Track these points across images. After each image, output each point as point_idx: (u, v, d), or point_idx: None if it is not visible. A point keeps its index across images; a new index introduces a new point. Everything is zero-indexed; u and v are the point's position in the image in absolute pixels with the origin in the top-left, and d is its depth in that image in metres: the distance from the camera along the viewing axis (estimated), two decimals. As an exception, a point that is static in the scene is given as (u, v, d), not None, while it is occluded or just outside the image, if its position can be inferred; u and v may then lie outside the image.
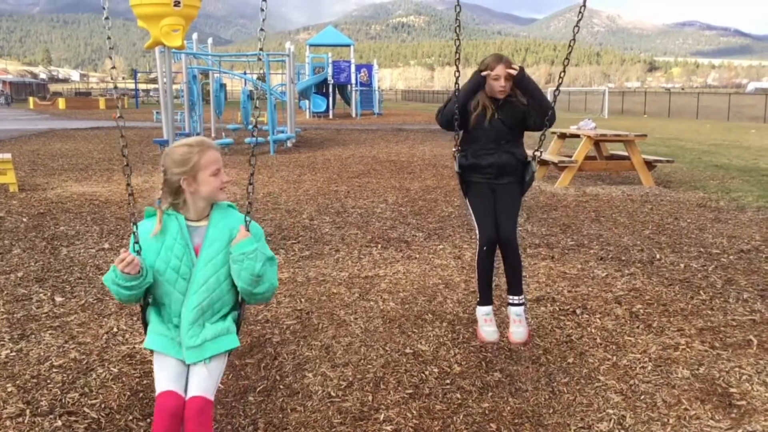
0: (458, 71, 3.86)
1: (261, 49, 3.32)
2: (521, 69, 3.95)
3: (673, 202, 9.58)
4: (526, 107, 4.00)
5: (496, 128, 3.99)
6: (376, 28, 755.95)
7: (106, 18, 2.87)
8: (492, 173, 4.02)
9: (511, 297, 4.12)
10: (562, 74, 3.91)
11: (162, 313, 2.76)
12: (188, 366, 2.67)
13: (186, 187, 2.68)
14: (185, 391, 2.61)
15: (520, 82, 3.95)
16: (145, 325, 2.80)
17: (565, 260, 6.33)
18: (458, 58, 3.85)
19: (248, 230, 2.70)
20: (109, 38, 2.88)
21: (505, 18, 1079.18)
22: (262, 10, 2.92)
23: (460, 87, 4.00)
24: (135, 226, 2.76)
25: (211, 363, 2.68)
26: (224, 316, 2.78)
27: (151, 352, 2.73)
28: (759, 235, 7.42)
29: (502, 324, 4.28)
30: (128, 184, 2.86)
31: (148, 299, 2.78)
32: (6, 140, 19.55)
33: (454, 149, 4.15)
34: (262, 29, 3.06)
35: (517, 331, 4.04)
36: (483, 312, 4.14)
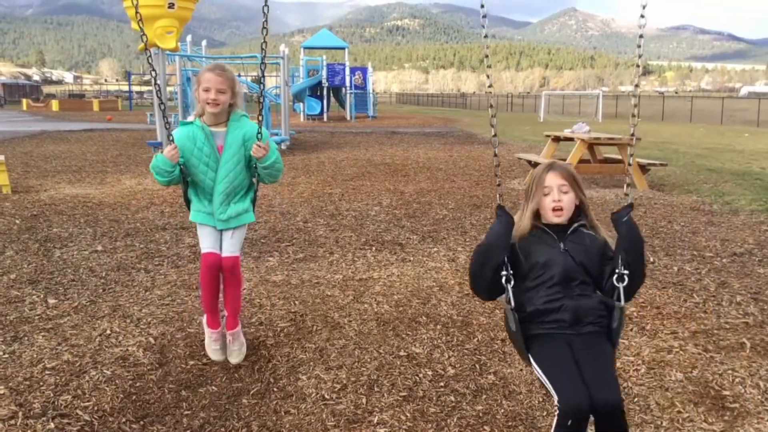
0: (491, 86, 3.12)
1: (263, 50, 3.88)
2: (630, 206, 2.84)
3: (667, 205, 9.61)
4: (605, 249, 2.84)
5: (563, 265, 2.78)
6: (370, 31, 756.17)
7: None
8: (565, 320, 2.73)
9: None
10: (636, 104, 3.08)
11: (198, 193, 3.83)
12: (221, 231, 3.83)
13: (196, 96, 3.67)
14: (220, 249, 3.81)
15: (625, 224, 2.77)
16: (187, 202, 3.89)
17: (559, 263, 6.32)
18: (491, 85, 3.11)
19: (261, 140, 3.65)
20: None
21: (499, 21, 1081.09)
22: (265, 13, 3.06)
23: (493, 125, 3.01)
24: (171, 136, 3.64)
25: (236, 230, 3.85)
26: (244, 196, 3.87)
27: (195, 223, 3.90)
28: (752, 238, 7.44)
29: (487, 313, 4.26)
30: (157, 93, 3.92)
31: (188, 181, 3.79)
32: (-1, 142, 19.48)
33: (506, 306, 2.81)
34: (265, 27, 3.65)
35: None
36: None
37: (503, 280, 2.77)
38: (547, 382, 2.64)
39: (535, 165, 3.34)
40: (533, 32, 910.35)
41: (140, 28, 3.74)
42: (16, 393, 3.56)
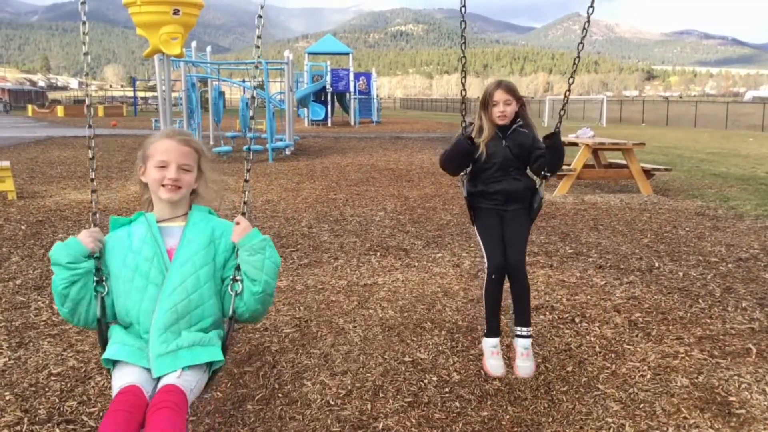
0: (465, 90, 3.78)
1: (258, 57, 3.08)
2: (558, 133, 3.77)
3: (672, 210, 9.59)
4: (534, 142, 3.85)
5: (503, 155, 3.81)
6: (374, 37, 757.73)
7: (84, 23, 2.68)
8: (500, 200, 3.85)
9: (518, 328, 3.85)
10: (567, 93, 3.87)
11: (129, 330, 2.41)
12: (157, 380, 2.28)
13: (141, 177, 2.54)
14: (154, 389, 2.25)
15: (554, 144, 3.75)
16: (104, 343, 2.41)
17: (563, 268, 6.33)
18: (464, 76, 3.84)
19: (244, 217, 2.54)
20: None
21: (503, 27, 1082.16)
22: (260, 16, 2.97)
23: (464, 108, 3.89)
24: (94, 221, 2.60)
25: (187, 373, 2.28)
26: (205, 327, 2.42)
27: (109, 370, 2.35)
28: (757, 243, 7.42)
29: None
30: (93, 191, 2.72)
31: (106, 318, 2.43)
32: (4, 148, 19.56)
33: (461, 174, 3.98)
34: (258, 36, 2.98)
35: (524, 366, 3.76)
36: (490, 344, 3.86)
37: (461, 173, 3.98)
38: (483, 247, 3.88)
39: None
40: (537, 37, 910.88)
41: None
42: (21, 399, 3.57)
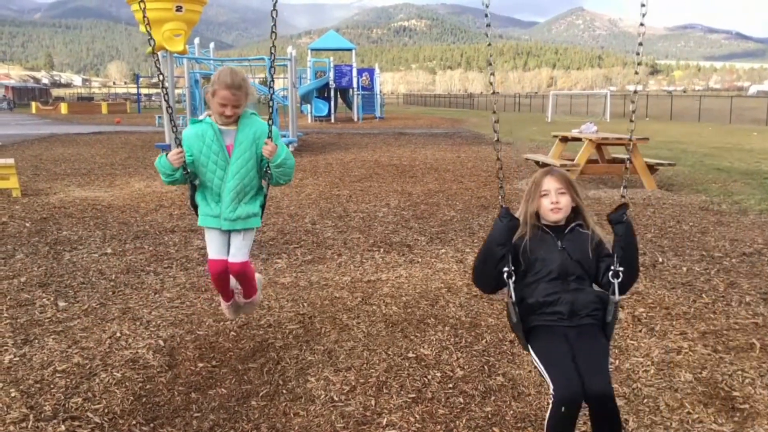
0: (495, 92, 3.15)
1: (272, 54, 3.85)
2: (625, 206, 3.01)
3: (675, 205, 9.58)
4: (599, 248, 3.07)
5: (560, 261, 2.97)
6: (377, 32, 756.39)
7: None
8: (563, 312, 2.90)
9: None
10: (637, 81, 3.40)
11: (206, 195, 3.77)
12: (228, 234, 3.78)
13: (208, 99, 3.66)
14: (227, 254, 3.79)
15: (622, 224, 2.96)
16: (194, 206, 3.84)
17: (567, 264, 6.31)
18: (493, 84, 3.15)
19: (271, 139, 3.67)
20: None
21: (506, 21, 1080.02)
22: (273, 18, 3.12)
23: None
24: (178, 139, 3.63)
25: (244, 234, 3.80)
26: (253, 198, 3.82)
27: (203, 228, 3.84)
28: (761, 238, 7.41)
29: (495, 315, 4.25)
30: (167, 102, 3.85)
31: (195, 184, 3.78)
32: (9, 145, 19.60)
33: (508, 300, 2.97)
34: (273, 32, 3.75)
35: None
36: None
37: (505, 276, 2.93)
38: (545, 372, 2.83)
39: (543, 165, 3.45)
40: (540, 32, 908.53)
41: (148, 31, 3.74)
42: (27, 396, 3.58)
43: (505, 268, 2.93)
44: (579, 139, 12.28)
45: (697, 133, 27.67)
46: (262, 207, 3.89)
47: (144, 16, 3.61)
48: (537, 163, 12.48)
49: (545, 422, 2.86)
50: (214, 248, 3.79)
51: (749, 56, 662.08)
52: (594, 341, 2.88)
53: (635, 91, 3.38)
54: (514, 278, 2.95)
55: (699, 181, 12.29)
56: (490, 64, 3.18)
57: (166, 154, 3.60)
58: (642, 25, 3.08)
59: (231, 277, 3.88)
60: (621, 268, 2.88)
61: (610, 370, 2.97)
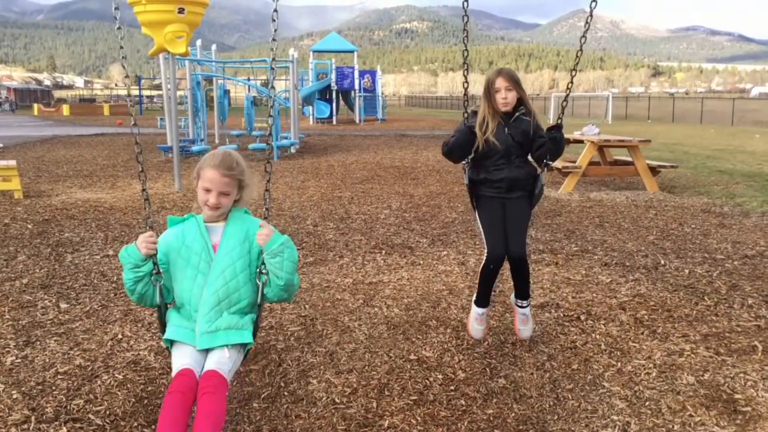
0: (467, 82, 3.93)
1: (273, 58, 3.48)
2: (560, 126, 3.89)
3: (678, 207, 9.57)
4: (536, 130, 3.98)
5: (506, 143, 3.94)
6: (379, 34, 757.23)
7: (119, 28, 3.09)
8: (503, 187, 3.99)
9: (519, 301, 4.24)
10: (570, 84, 3.97)
11: (181, 312, 2.98)
12: (205, 352, 2.86)
13: (195, 188, 3.04)
14: (202, 368, 2.80)
15: (557, 135, 3.88)
16: (163, 326, 3.00)
17: (569, 266, 6.32)
18: (467, 68, 3.92)
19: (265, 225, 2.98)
20: (121, 47, 3.13)
21: (508, 23, 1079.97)
22: (274, 20, 3.12)
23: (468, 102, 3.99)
24: (148, 228, 2.94)
25: (225, 355, 2.84)
26: (242, 311, 2.98)
27: (168, 348, 2.94)
28: (763, 240, 7.40)
29: (497, 317, 4.26)
30: (144, 190, 3.18)
31: (164, 302, 2.99)
32: (11, 147, 19.61)
33: (463, 162, 4.10)
34: (274, 39, 3.29)
35: (525, 329, 4.30)
36: (477, 312, 4.26)
37: (462, 162, 4.09)
38: (482, 234, 4.03)
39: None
40: (542, 34, 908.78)
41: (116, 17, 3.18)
42: (28, 397, 3.58)
43: (468, 158, 4.06)
44: (581, 141, 12.28)
45: (699, 135, 27.65)
46: (255, 325, 3.03)
47: (115, 7, 3.18)
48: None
49: (479, 268, 4.09)
50: (182, 360, 2.80)
51: (752, 58, 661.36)
52: (522, 212, 4.01)
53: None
54: (471, 155, 4.03)
55: (701, 183, 12.28)
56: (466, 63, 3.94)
57: (135, 243, 2.86)
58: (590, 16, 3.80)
59: (196, 399, 2.67)
60: (550, 162, 3.98)
61: (528, 241, 4.07)
